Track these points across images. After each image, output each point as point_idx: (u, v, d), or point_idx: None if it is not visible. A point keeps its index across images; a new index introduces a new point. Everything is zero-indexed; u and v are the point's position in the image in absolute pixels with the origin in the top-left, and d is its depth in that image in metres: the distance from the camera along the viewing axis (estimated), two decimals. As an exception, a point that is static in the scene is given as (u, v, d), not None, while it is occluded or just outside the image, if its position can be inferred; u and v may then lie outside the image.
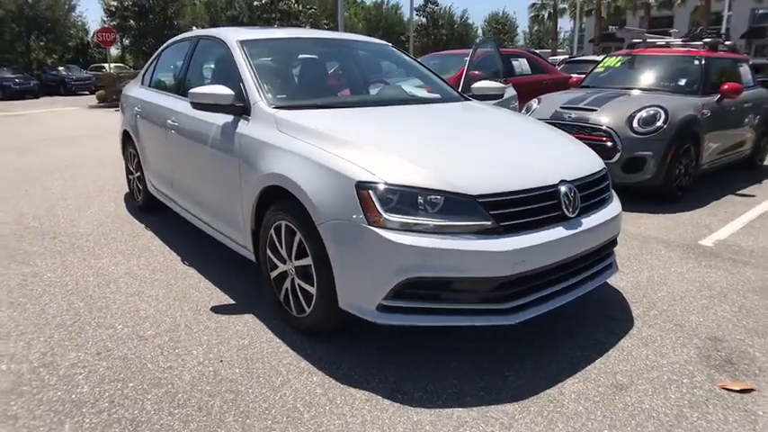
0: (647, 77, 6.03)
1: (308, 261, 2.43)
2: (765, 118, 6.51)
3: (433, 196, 2.18)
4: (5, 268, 3.54)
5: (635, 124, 5.04)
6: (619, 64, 6.45)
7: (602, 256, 2.71)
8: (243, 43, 3.31)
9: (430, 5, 53.70)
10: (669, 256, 3.84)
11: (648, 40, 6.71)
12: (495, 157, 2.54)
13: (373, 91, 3.73)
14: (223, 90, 2.90)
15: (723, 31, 26.27)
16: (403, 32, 56.24)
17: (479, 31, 69.74)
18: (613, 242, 2.81)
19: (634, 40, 6.78)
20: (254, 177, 2.70)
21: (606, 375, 2.35)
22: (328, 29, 42.56)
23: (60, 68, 27.68)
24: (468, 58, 5.87)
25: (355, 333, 2.62)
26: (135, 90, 4.79)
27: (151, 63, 4.73)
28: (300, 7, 31.29)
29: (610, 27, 48.30)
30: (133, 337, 2.64)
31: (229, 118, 3.00)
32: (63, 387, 2.23)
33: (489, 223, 2.19)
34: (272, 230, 2.65)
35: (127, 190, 5.59)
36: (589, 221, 2.50)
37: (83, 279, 3.36)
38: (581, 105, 5.48)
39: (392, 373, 2.32)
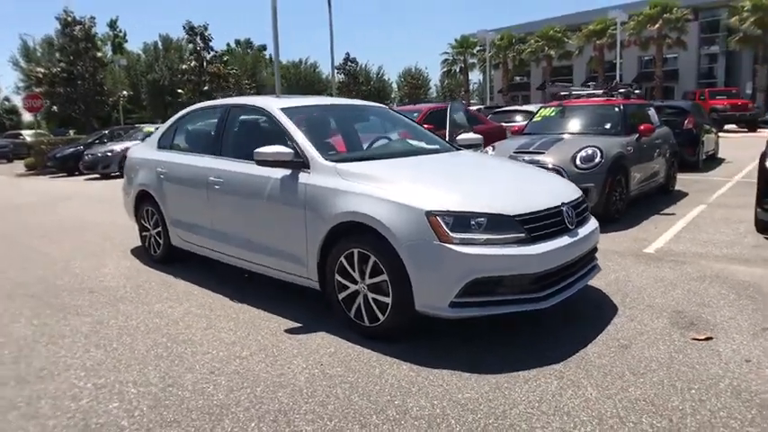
0: (578, 123, 7.30)
1: (382, 278, 3.09)
2: (672, 151, 7.98)
3: (481, 218, 2.96)
4: (65, 320, 3.84)
5: (578, 162, 6.16)
6: (553, 113, 7.71)
7: (591, 257, 3.60)
8: (284, 110, 4.00)
9: (349, 63, 56.72)
10: (625, 262, 4.82)
11: (574, 93, 8.07)
12: (513, 188, 3.40)
13: (387, 145, 4.51)
14: (284, 149, 3.57)
15: (619, 78, 29.96)
16: (323, 90, 58.43)
17: (394, 86, 73.82)
18: (596, 248, 3.71)
19: (562, 93, 8.13)
20: (323, 217, 3.34)
21: (612, 341, 3.17)
22: (250, 89, 43.75)
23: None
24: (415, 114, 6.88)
25: (417, 333, 3.27)
26: (151, 153, 5.26)
27: (169, 129, 5.24)
28: (228, 70, 32.14)
29: (517, 77, 53.05)
30: (233, 358, 3.12)
31: (287, 171, 3.65)
32: (199, 397, 2.69)
33: (523, 235, 3.00)
34: (343, 258, 3.29)
35: (131, 247, 5.97)
36: (582, 231, 3.39)
37: (150, 321, 3.76)
38: (531, 149, 6.56)
39: (462, 356, 2.99)
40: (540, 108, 8.21)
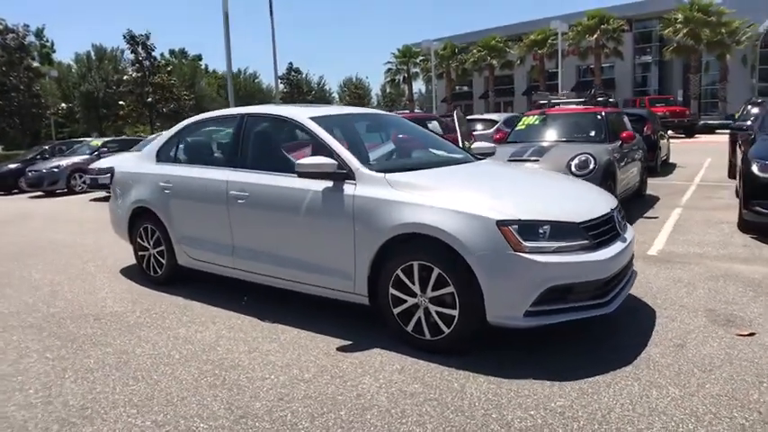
0: (564, 131, 7.53)
1: (448, 290, 3.02)
2: (644, 157, 8.36)
3: (548, 226, 2.96)
4: (83, 351, 3.51)
5: (573, 169, 6.33)
6: (537, 122, 7.91)
7: (631, 262, 3.68)
8: (314, 119, 3.86)
9: (293, 73, 56.19)
10: (636, 264, 4.95)
11: (553, 101, 8.32)
12: (567, 196, 3.44)
13: (416, 155, 4.44)
14: (327, 160, 3.44)
15: (560, 86, 31.24)
16: (265, 100, 57.59)
17: (336, 96, 73.84)
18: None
19: (541, 102, 8.36)
20: (377, 229, 3.24)
21: (666, 341, 3.26)
22: (188, 100, 42.29)
23: None
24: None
25: (476, 345, 3.21)
26: (149, 166, 4.93)
27: (170, 141, 4.94)
28: (172, 80, 31.04)
29: (456, 87, 54.34)
30: (296, 381, 2.94)
31: (329, 183, 3.51)
32: (283, 427, 2.50)
33: (587, 242, 3.03)
34: (399, 271, 3.19)
35: (114, 268, 5.67)
36: (628, 236, 3.46)
37: (182, 348, 3.50)
38: (524, 157, 6.69)
39: (530, 364, 2.97)
40: (523, 116, 8.41)
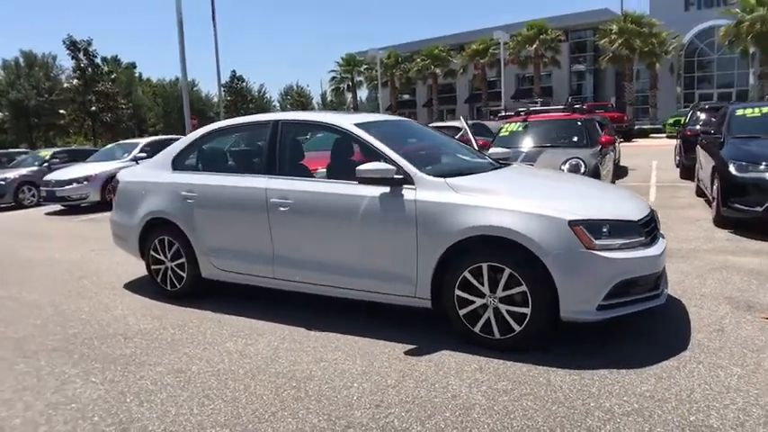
0: (547, 137, 7.90)
1: (520, 289, 3.15)
2: (616, 159, 8.90)
3: (612, 225, 3.15)
4: (131, 373, 3.33)
5: (566, 172, 6.66)
6: (520, 128, 8.24)
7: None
8: (359, 126, 3.90)
9: (236, 81, 54.98)
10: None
11: (531, 109, 8.70)
12: (615, 197, 3.68)
13: (446, 159, 4.52)
14: (387, 166, 3.50)
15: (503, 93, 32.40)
16: (205, 109, 56.07)
17: (276, 104, 73.04)
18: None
19: (520, 110, 8.72)
20: (443, 233, 3.31)
21: (705, 327, 3.55)
22: (126, 109, 40.44)
23: None
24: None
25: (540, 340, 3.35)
26: (164, 175, 4.74)
27: (188, 148, 4.78)
28: (117, 89, 29.63)
29: (400, 95, 55.08)
30: (383, 387, 2.95)
31: (385, 189, 3.55)
32: None
33: (643, 238, 3.25)
34: (467, 273, 3.28)
35: (109, 283, 5.47)
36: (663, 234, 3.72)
37: (241, 362, 3.38)
38: (518, 162, 6.95)
39: (600, 356, 3.14)
40: (506, 124, 8.74)
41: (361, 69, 52.83)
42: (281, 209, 3.96)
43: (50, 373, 3.41)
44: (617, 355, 3.17)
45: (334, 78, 55.36)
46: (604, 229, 3.13)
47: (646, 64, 35.04)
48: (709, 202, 7.47)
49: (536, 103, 9.79)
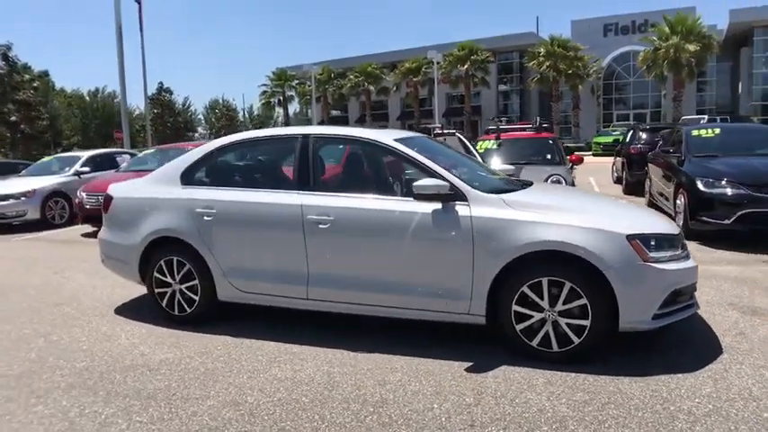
0: (522, 154, 8.23)
1: (580, 302, 3.26)
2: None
3: (659, 239, 3.37)
4: (181, 408, 3.05)
5: (548, 187, 6.98)
6: (494, 146, 8.54)
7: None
8: (400, 141, 3.89)
9: (164, 93, 52.46)
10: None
11: (501, 127, 9.06)
12: (644, 214, 3.94)
13: (480, 175, 4.54)
14: (441, 182, 3.52)
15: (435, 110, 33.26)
16: (131, 123, 53.13)
17: (201, 117, 70.82)
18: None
19: (490, 128, 9.05)
20: (501, 249, 3.37)
21: (726, 332, 3.86)
22: (42, 120, 37.45)
23: None
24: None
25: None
26: (173, 191, 4.42)
27: (200, 162, 4.51)
28: (40, 98, 27.34)
29: (332, 111, 55.22)
30: (464, 406, 2.93)
31: (437, 205, 3.56)
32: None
33: (683, 251, 3.49)
34: (525, 288, 3.35)
35: (96, 308, 5.07)
36: (686, 249, 4.01)
37: (298, 390, 3.23)
38: (500, 177, 7.20)
39: (648, 363, 3.31)
40: (479, 141, 9.01)
41: (293, 84, 52.46)
42: (321, 226, 3.84)
43: (81, 415, 3.06)
44: (665, 362, 3.36)
45: (264, 93, 54.51)
46: (652, 243, 3.33)
47: (570, 85, 37.54)
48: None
49: (501, 121, 10.18)
